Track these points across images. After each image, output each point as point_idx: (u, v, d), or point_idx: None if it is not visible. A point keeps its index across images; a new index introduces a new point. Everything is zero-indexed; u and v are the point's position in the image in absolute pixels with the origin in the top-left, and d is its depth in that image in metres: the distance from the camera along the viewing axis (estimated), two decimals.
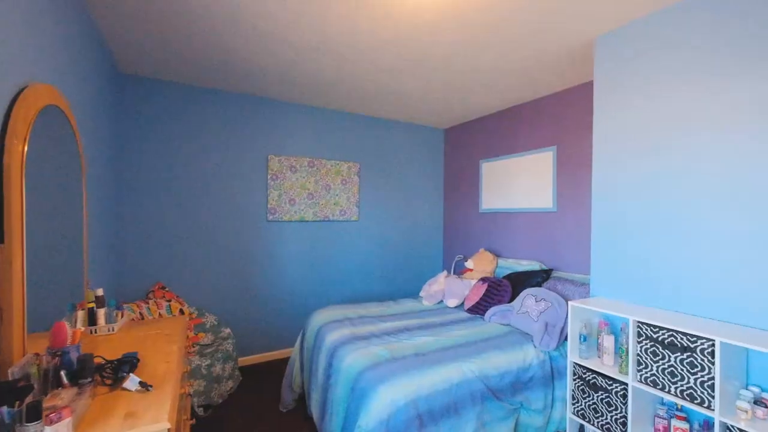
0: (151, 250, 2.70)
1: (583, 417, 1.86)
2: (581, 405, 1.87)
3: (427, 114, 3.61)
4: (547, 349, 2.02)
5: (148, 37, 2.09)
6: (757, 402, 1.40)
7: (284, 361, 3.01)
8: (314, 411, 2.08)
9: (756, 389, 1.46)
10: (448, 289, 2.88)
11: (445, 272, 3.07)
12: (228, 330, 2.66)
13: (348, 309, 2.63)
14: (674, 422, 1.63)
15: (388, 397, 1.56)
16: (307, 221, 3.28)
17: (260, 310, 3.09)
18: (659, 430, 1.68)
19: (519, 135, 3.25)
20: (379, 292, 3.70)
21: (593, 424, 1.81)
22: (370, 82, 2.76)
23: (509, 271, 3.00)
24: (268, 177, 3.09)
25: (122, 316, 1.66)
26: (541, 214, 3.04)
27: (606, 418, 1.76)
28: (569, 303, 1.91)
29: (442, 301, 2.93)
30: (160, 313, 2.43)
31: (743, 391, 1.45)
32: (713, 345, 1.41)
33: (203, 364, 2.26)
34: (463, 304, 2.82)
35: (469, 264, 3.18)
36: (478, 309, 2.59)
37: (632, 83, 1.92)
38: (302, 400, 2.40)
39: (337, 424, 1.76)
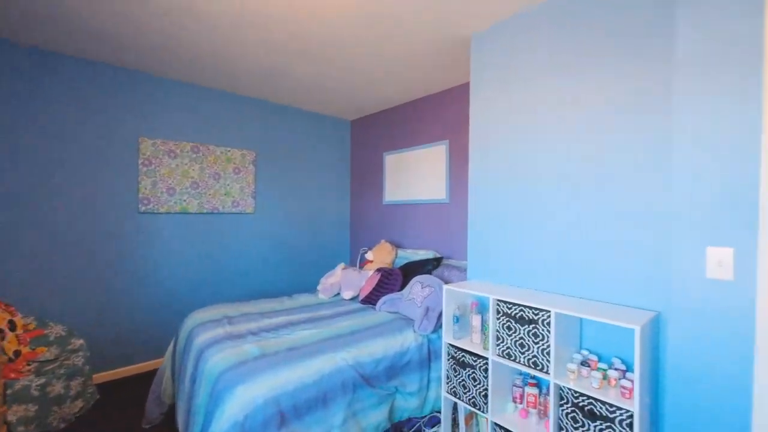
0: None
1: (455, 394, 1.95)
2: (453, 383, 1.96)
3: (332, 104, 3.52)
4: (426, 333, 2.08)
5: None
6: (583, 363, 1.59)
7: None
8: (180, 422, 1.86)
9: (585, 352, 1.67)
10: (345, 281, 2.83)
11: (342, 264, 3.03)
12: (80, 341, 2.25)
13: (231, 307, 2.42)
14: (527, 389, 1.79)
15: (247, 397, 1.44)
16: (191, 213, 2.95)
17: (129, 316, 2.69)
18: (516, 397, 1.84)
19: (417, 128, 3.34)
20: (281, 288, 3.52)
21: (463, 400, 1.91)
22: (264, 64, 2.57)
23: (407, 261, 3.07)
24: (139, 162, 2.70)
25: None
26: (436, 205, 3.17)
27: (472, 393, 1.86)
28: (444, 287, 1.99)
29: (339, 293, 2.88)
30: None
31: (575, 355, 1.64)
32: (550, 315, 1.56)
33: (34, 385, 1.87)
34: (359, 295, 2.80)
35: (369, 256, 3.18)
36: (371, 299, 2.59)
37: (500, 79, 2.05)
38: (173, 412, 2.13)
39: None
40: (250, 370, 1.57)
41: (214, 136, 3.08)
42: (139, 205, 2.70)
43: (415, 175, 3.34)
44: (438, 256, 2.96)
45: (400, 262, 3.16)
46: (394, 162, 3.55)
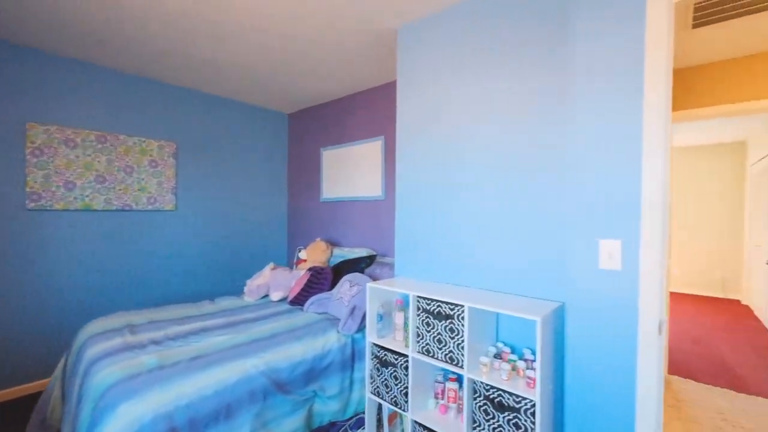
0: None
1: (378, 394, 1.90)
2: (377, 383, 1.91)
3: (266, 96, 3.34)
4: (350, 333, 2.02)
5: None
6: (496, 355, 1.62)
7: None
8: None
9: (501, 344, 1.70)
10: (273, 282, 2.69)
11: (271, 264, 2.87)
12: None
13: (139, 315, 2.18)
14: (448, 384, 1.79)
15: (131, 415, 1.27)
16: (96, 210, 2.63)
17: (11, 331, 2.32)
18: (438, 393, 1.83)
19: (354, 124, 3.28)
20: (209, 291, 3.27)
21: (385, 400, 1.87)
22: (179, 48, 2.34)
23: (342, 260, 2.99)
24: (27, 152, 2.34)
25: None
26: (372, 202, 3.12)
27: (394, 392, 1.83)
28: (367, 285, 1.93)
29: (267, 295, 2.72)
30: None
31: (490, 348, 1.66)
32: (464, 310, 1.57)
33: None
34: (288, 296, 2.66)
35: (302, 255, 3.06)
36: (300, 300, 2.48)
37: (425, 75, 2.04)
38: None
39: None
40: (141, 384, 1.40)
41: (125, 125, 2.77)
42: (27, 201, 2.34)
43: (352, 171, 3.27)
44: (372, 253, 2.92)
45: (336, 261, 3.08)
46: (331, 158, 3.46)
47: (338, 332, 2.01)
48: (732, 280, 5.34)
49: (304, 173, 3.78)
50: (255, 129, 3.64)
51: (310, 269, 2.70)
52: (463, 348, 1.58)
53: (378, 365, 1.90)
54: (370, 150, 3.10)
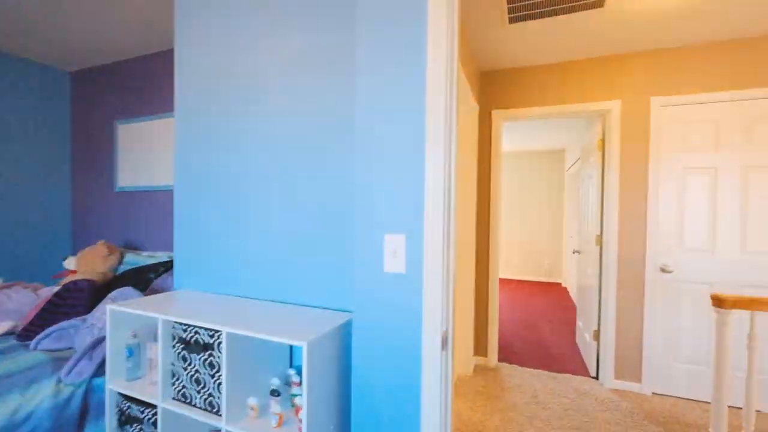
0: None
1: None
2: None
3: (24, 40, 2.31)
4: (79, 379, 1.37)
5: None
6: (273, 392, 1.22)
7: None
8: None
9: (293, 371, 1.32)
10: None
11: None
12: None
13: None
14: None
15: None
16: None
17: None
18: None
19: (163, 91, 2.53)
20: None
21: None
22: None
23: (131, 268, 2.24)
24: None
25: None
26: None
27: None
28: (107, 308, 1.32)
29: None
30: None
31: (274, 380, 1.26)
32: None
33: None
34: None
35: (69, 264, 2.19)
36: (30, 332, 1.68)
37: (204, 34, 1.53)
38: None
39: None
40: None
41: None
42: None
43: (159, 152, 2.53)
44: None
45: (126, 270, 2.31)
46: (129, 133, 2.63)
47: (60, 381, 1.34)
48: (555, 266, 6.31)
49: (94, 153, 2.82)
50: (8, 88, 2.54)
51: (65, 285, 1.90)
52: (222, 388, 1.13)
53: (121, 423, 1.32)
54: None
